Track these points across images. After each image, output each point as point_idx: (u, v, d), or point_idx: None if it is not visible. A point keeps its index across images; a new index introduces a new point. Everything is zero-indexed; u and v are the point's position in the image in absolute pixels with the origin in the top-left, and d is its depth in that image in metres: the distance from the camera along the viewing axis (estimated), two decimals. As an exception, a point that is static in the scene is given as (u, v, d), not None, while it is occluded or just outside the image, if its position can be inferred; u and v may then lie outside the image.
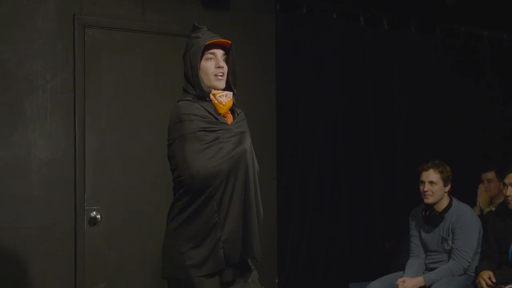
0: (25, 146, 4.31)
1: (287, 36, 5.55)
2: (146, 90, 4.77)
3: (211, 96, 3.06)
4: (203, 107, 3.01)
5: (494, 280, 4.32)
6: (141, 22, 4.75)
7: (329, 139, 5.79)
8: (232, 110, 3.17)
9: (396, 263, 5.27)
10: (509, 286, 4.31)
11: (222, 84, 3.10)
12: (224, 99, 3.07)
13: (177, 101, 3.10)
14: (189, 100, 3.04)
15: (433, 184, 4.59)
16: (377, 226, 6.02)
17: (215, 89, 3.08)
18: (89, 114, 4.54)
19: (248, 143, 3.02)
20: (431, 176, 4.60)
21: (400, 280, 4.54)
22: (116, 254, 4.64)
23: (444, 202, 4.65)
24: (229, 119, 3.12)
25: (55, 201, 4.40)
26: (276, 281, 5.31)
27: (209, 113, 3.01)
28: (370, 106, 6.00)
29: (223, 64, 3.09)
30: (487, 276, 4.35)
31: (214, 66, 3.07)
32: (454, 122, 6.36)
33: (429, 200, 4.62)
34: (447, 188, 4.64)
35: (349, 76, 5.90)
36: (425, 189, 4.61)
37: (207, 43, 3.06)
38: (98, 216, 4.55)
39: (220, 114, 3.06)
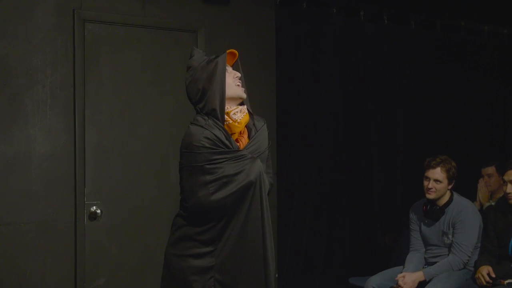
0: (25, 141, 4.31)
1: (287, 31, 5.55)
2: (146, 85, 4.77)
3: (227, 117, 2.96)
4: (215, 135, 2.89)
5: (493, 276, 4.32)
6: (141, 17, 4.74)
7: (329, 133, 5.80)
8: (248, 129, 3.07)
9: (396, 257, 5.28)
10: (508, 280, 4.31)
11: (244, 94, 3.05)
12: (239, 115, 2.99)
13: (191, 123, 2.99)
14: (201, 126, 2.91)
15: (438, 182, 4.58)
16: (377, 221, 6.02)
17: (240, 98, 3.02)
18: (89, 109, 4.54)
19: (256, 172, 2.89)
20: (437, 174, 4.58)
21: (400, 275, 4.54)
22: (116, 249, 4.65)
23: (445, 197, 4.65)
24: (243, 140, 3.03)
25: (55, 196, 4.40)
26: (276, 275, 5.31)
27: (221, 141, 2.91)
28: (371, 100, 6.00)
29: (239, 74, 3.07)
30: (486, 271, 4.35)
31: (232, 77, 3.03)
32: (454, 117, 6.36)
33: (432, 196, 4.61)
34: (451, 186, 4.64)
35: (349, 71, 5.90)
36: (430, 186, 4.60)
37: (228, 51, 3.04)
38: (98, 211, 4.55)
39: (232, 136, 2.96)
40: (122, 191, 4.65)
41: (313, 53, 5.72)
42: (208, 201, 2.85)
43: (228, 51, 3.03)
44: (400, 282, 4.49)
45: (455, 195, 4.69)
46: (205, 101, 2.95)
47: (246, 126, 3.05)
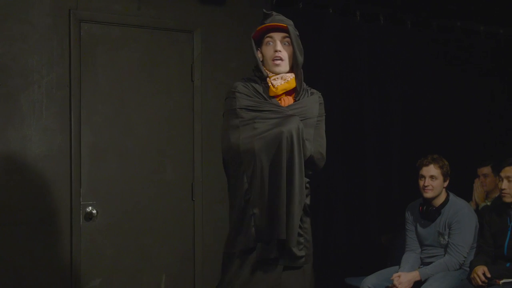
0: (20, 141, 4.32)
1: (283, 31, 5.54)
2: (142, 85, 4.77)
3: (268, 80, 3.07)
4: (253, 86, 3.05)
5: (488, 275, 4.33)
6: (137, 17, 4.74)
7: (325, 133, 5.78)
8: (295, 92, 3.14)
9: (391, 257, 5.28)
10: (504, 280, 4.32)
11: (280, 69, 3.09)
12: (278, 82, 3.07)
13: None
14: (244, 80, 3.10)
15: (434, 179, 4.61)
16: (372, 221, 6.02)
17: (274, 73, 3.09)
18: (84, 109, 4.54)
19: (292, 126, 2.95)
20: (432, 170, 4.62)
21: (395, 275, 4.55)
22: (112, 249, 4.65)
23: (442, 197, 4.67)
24: (286, 101, 3.11)
25: (50, 196, 4.40)
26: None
27: (258, 92, 3.05)
28: (366, 100, 5.99)
29: (280, 47, 3.08)
30: (481, 271, 4.36)
31: (272, 50, 3.08)
32: (450, 117, 6.36)
33: (429, 194, 4.63)
34: (446, 183, 4.66)
35: (346, 71, 5.90)
36: (426, 183, 4.62)
37: (258, 28, 3.10)
38: (94, 211, 4.55)
39: (272, 96, 3.06)
40: (118, 191, 4.65)
41: (309, 53, 5.65)
42: (237, 142, 2.95)
43: (263, 26, 3.09)
44: (396, 282, 4.49)
45: (451, 195, 4.70)
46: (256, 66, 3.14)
47: (293, 94, 3.12)
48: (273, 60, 3.08)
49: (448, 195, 4.69)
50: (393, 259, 5.12)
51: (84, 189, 4.53)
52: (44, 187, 4.38)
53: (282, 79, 3.07)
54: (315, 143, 3.13)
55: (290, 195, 2.95)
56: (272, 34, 3.09)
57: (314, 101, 3.20)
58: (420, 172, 4.69)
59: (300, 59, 3.11)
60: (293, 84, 3.10)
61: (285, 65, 3.11)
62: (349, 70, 5.93)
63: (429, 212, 4.67)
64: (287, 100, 3.11)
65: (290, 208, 2.94)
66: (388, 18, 6.05)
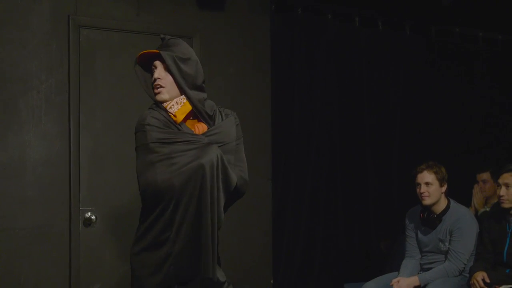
0: (19, 147, 4.31)
1: (282, 37, 5.56)
2: (140, 90, 4.71)
3: (166, 109, 2.98)
4: (163, 116, 2.94)
5: (488, 281, 4.32)
6: (136, 23, 4.74)
7: (324, 138, 5.80)
8: (207, 116, 3.02)
9: (391, 263, 5.27)
10: (503, 286, 4.31)
11: (162, 97, 2.98)
12: (174, 108, 2.95)
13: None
14: (151, 109, 3.00)
15: (429, 185, 4.60)
16: (372, 227, 6.02)
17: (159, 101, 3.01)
18: (83, 114, 4.53)
19: (211, 157, 2.84)
20: (426, 177, 4.61)
21: (394, 280, 4.54)
22: (111, 255, 4.63)
23: (442, 204, 4.65)
24: (200, 128, 3.00)
25: (49, 202, 4.39)
26: (271, 281, 5.31)
27: (169, 121, 2.92)
28: (365, 106, 6.00)
29: (158, 74, 2.98)
30: (481, 277, 4.35)
31: (153, 78, 3.02)
32: (449, 123, 6.37)
33: (427, 201, 4.62)
34: (444, 189, 4.64)
35: (344, 76, 5.91)
36: (422, 190, 4.61)
37: (137, 57, 3.04)
38: (93, 217, 4.55)
39: (179, 123, 2.95)
40: (117, 197, 4.65)
41: (308, 58, 5.73)
42: (155, 181, 2.82)
43: (139, 54, 3.04)
44: (395, 287, 4.49)
45: (452, 202, 4.69)
46: None
47: (203, 117, 3.01)
48: (154, 87, 3.00)
49: (449, 202, 4.68)
50: (392, 265, 5.10)
51: (83, 194, 4.53)
52: (43, 193, 4.37)
53: (177, 104, 2.96)
54: (236, 168, 3.00)
55: (214, 231, 2.86)
56: (155, 62, 3.01)
57: (230, 124, 3.07)
58: (416, 180, 4.68)
59: (182, 82, 2.96)
60: (189, 106, 2.98)
61: (165, 92, 2.98)
62: (348, 75, 5.94)
63: (430, 219, 4.66)
64: (201, 127, 3.00)
65: (214, 244, 2.87)
66: (387, 23, 6.07)
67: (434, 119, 6.30)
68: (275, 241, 5.38)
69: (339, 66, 5.87)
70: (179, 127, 2.93)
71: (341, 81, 5.89)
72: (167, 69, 2.97)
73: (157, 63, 3.00)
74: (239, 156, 3.07)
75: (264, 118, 5.26)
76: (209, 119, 3.02)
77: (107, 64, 4.64)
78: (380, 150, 6.07)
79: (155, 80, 2.99)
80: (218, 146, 2.93)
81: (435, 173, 4.60)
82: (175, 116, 2.94)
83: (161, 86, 2.98)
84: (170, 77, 2.98)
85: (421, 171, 4.65)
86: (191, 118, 3.03)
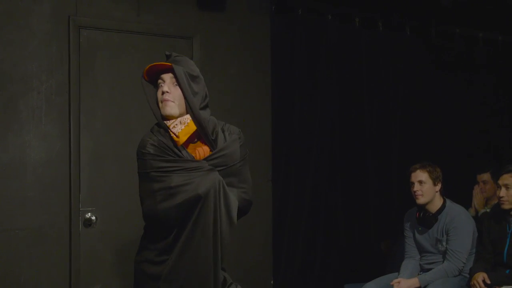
0: (20, 147, 4.31)
1: (283, 38, 5.56)
2: (141, 91, 4.73)
3: (169, 130, 2.87)
4: (163, 142, 2.84)
5: (488, 282, 4.33)
6: (136, 23, 4.75)
7: (324, 138, 5.80)
8: (211, 138, 2.91)
9: (391, 264, 5.28)
10: (503, 287, 4.31)
11: (169, 110, 2.87)
12: (178, 128, 2.85)
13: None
14: (151, 132, 2.92)
15: (423, 184, 4.62)
16: (372, 228, 6.02)
17: (167, 117, 2.89)
18: (84, 115, 4.53)
19: (210, 186, 2.77)
20: (419, 176, 4.63)
21: (395, 281, 4.55)
22: (111, 256, 4.63)
23: (438, 203, 4.66)
24: (200, 151, 2.92)
25: (50, 202, 4.39)
26: (272, 282, 5.31)
27: (169, 148, 2.83)
28: (366, 107, 6.01)
29: (167, 88, 2.87)
30: (481, 278, 4.35)
31: (161, 91, 2.90)
32: (450, 123, 6.38)
33: (420, 200, 4.64)
34: (438, 188, 4.65)
35: (345, 77, 5.91)
36: (415, 189, 4.64)
37: (145, 69, 2.91)
38: (93, 218, 4.55)
39: (179, 147, 2.85)
40: (117, 197, 4.64)
41: (308, 59, 5.73)
42: (154, 210, 2.79)
43: (148, 67, 2.92)
44: (396, 287, 4.49)
45: (448, 201, 4.70)
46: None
47: (207, 139, 2.90)
48: (161, 101, 2.88)
49: (444, 201, 4.69)
50: (393, 266, 5.11)
51: (84, 195, 4.53)
52: (43, 193, 4.37)
53: (181, 123, 2.86)
54: (239, 190, 2.95)
55: (216, 261, 2.82)
56: (163, 75, 2.91)
57: (234, 146, 2.96)
58: (410, 179, 4.71)
59: (192, 99, 2.86)
60: (193, 126, 2.86)
61: (174, 106, 2.87)
62: (348, 76, 5.94)
63: (426, 219, 4.67)
64: (202, 151, 2.91)
65: (217, 275, 2.84)
66: (387, 24, 6.07)
67: (435, 120, 6.30)
68: (276, 241, 5.38)
69: (339, 67, 5.87)
70: (179, 153, 2.84)
71: (341, 81, 5.89)
72: (177, 83, 2.87)
73: (166, 76, 2.90)
74: (243, 177, 3.00)
75: (264, 118, 5.26)
76: (213, 142, 2.92)
77: (107, 65, 4.64)
78: (381, 150, 6.08)
79: (162, 93, 2.88)
80: (221, 169, 2.86)
81: (429, 172, 4.63)
82: (177, 137, 2.85)
83: (170, 100, 2.88)
84: (179, 92, 2.87)
85: (414, 170, 4.69)
86: (195, 140, 2.94)
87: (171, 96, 2.87)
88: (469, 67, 6.51)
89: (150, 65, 2.90)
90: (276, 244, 5.40)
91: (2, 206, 4.24)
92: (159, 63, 2.91)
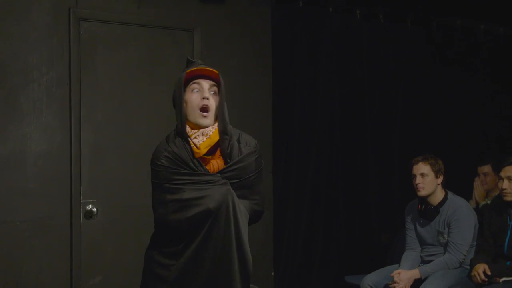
0: (20, 140, 4.32)
1: (283, 30, 5.55)
2: (142, 83, 4.76)
3: (190, 140, 2.77)
4: (178, 154, 2.75)
5: (489, 273, 4.33)
6: (137, 15, 4.74)
7: (325, 132, 5.80)
8: (225, 148, 2.80)
9: (391, 256, 5.29)
10: (504, 278, 4.32)
11: (207, 122, 2.77)
12: (199, 139, 2.76)
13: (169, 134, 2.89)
14: (167, 142, 2.81)
15: (425, 176, 4.62)
16: (373, 219, 6.02)
17: (199, 126, 2.78)
18: (84, 107, 4.54)
19: (219, 199, 2.70)
20: (421, 168, 4.63)
21: (395, 271, 4.55)
22: (112, 247, 4.65)
23: (439, 196, 4.67)
24: (215, 165, 2.82)
25: (51, 194, 4.40)
26: (272, 274, 5.32)
27: (184, 161, 2.75)
28: (367, 99, 6.00)
29: (208, 95, 2.76)
30: (482, 269, 4.35)
31: (199, 98, 2.77)
32: (451, 116, 6.37)
33: (422, 192, 4.64)
34: (440, 180, 4.65)
35: (346, 69, 5.90)
36: (417, 181, 4.64)
37: (188, 71, 2.79)
38: (94, 209, 4.55)
39: (196, 159, 2.76)
40: (118, 189, 4.65)
41: (309, 51, 5.72)
42: (166, 220, 2.76)
43: (194, 68, 2.81)
44: (396, 278, 4.49)
45: (450, 194, 4.70)
46: (176, 118, 2.82)
47: (224, 153, 2.81)
48: (200, 109, 2.75)
49: (446, 194, 4.69)
50: (393, 258, 5.12)
51: (84, 187, 4.53)
52: (44, 185, 4.38)
53: (203, 135, 2.75)
54: (251, 202, 2.88)
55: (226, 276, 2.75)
56: (199, 80, 2.79)
57: (250, 159, 2.87)
58: (412, 172, 4.72)
59: (226, 113, 2.79)
60: (215, 138, 2.76)
61: (211, 117, 2.78)
62: (349, 68, 5.93)
63: (428, 211, 4.67)
64: (216, 164, 2.81)
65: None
66: (388, 16, 6.06)
67: (436, 112, 6.29)
68: (276, 234, 5.38)
69: (340, 59, 5.86)
70: (194, 166, 2.76)
71: (342, 73, 5.88)
72: (216, 93, 2.80)
73: (204, 83, 2.79)
74: (256, 189, 2.93)
75: (265, 111, 5.26)
76: (228, 156, 2.82)
77: (108, 57, 4.64)
78: (381, 142, 6.07)
79: (202, 99, 2.77)
80: (235, 182, 2.80)
81: (431, 164, 4.63)
82: (198, 148, 2.75)
83: (208, 109, 2.77)
84: (214, 102, 2.79)
85: (416, 163, 4.69)
86: (213, 153, 2.84)
87: (211, 103, 2.78)
88: (470, 59, 6.50)
89: (195, 68, 2.80)
90: (277, 237, 5.41)
91: (3, 198, 4.25)
92: (206, 68, 2.81)
